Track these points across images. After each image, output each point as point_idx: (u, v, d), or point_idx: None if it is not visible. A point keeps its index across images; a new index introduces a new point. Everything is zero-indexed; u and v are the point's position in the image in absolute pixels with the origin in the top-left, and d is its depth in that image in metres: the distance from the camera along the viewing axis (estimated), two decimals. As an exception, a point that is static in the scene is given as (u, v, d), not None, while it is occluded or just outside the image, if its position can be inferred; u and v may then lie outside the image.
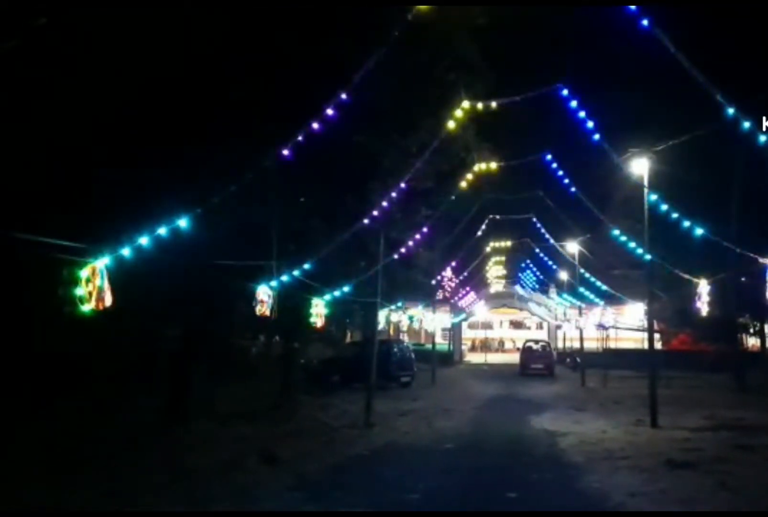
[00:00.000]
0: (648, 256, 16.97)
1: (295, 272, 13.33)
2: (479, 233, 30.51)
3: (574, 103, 14.03)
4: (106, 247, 7.64)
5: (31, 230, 6.87)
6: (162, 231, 8.27)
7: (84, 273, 7.32)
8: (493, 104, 14.58)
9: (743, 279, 22.71)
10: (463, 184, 19.98)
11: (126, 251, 7.81)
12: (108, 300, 7.49)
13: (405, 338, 40.37)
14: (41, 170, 9.91)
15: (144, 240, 8.03)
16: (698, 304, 17.17)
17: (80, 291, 7.28)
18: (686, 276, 17.85)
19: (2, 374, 12.98)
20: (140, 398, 15.37)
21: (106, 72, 9.66)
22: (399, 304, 27.37)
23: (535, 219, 30.85)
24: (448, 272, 34.15)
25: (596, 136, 14.75)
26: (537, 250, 36.34)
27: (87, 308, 7.35)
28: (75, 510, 8.05)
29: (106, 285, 7.44)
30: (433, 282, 29.71)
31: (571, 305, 38.88)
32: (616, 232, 20.95)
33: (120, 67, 9.73)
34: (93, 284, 7.34)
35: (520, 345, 42.27)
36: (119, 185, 10.55)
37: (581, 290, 32.13)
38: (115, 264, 7.64)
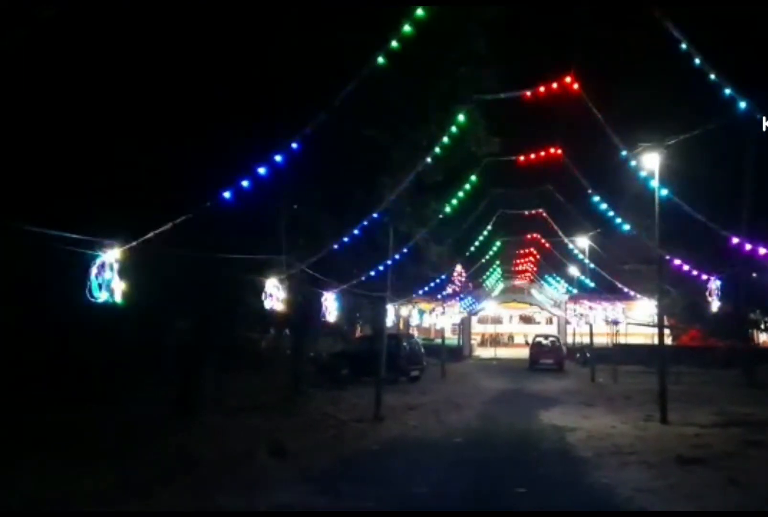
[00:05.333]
0: (659, 252, 16.89)
1: (305, 266, 13.36)
2: (489, 227, 30.42)
3: (584, 97, 13.97)
4: (117, 240, 7.68)
5: (43, 223, 6.91)
6: (172, 224, 8.30)
7: (95, 265, 7.36)
8: (503, 96, 14.55)
9: (754, 274, 22.57)
10: (473, 178, 19.93)
11: (136, 244, 7.85)
12: (118, 293, 7.53)
13: (414, 332, 40.41)
14: (52, 164, 9.96)
15: (155, 233, 8.06)
16: (709, 299, 17.08)
17: (91, 284, 7.33)
18: (696, 272, 17.77)
19: (14, 367, 13.10)
20: (151, 390, 15.46)
21: (118, 63, 9.70)
22: (408, 298, 27.39)
23: (545, 214, 30.72)
24: (458, 267, 34.11)
25: (607, 130, 14.69)
26: (547, 244, 36.21)
27: (97, 300, 7.40)
28: (83, 502, 8.08)
29: (117, 278, 7.48)
30: (443, 276, 29.67)
31: (570, 293, 38.79)
32: (627, 227, 20.87)
33: (134, 57, 9.77)
34: (103, 277, 7.39)
35: (530, 340, 42.21)
36: (131, 178, 10.59)
37: (592, 285, 32.04)
38: (126, 257, 7.68)
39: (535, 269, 47.43)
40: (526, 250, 41.61)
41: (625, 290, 29.79)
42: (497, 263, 41.60)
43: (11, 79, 8.59)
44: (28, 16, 6.55)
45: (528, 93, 14.38)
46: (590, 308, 34.14)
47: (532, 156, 20.08)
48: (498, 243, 35.53)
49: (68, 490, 8.34)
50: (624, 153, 15.70)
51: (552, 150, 19.34)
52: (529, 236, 36.45)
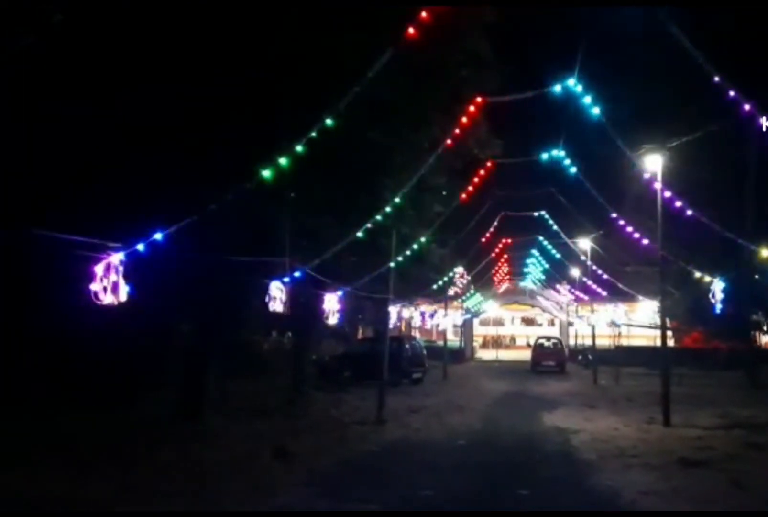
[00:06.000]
0: (661, 253, 16.87)
1: (308, 268, 13.36)
2: (491, 230, 30.44)
3: (587, 99, 13.94)
4: (121, 243, 7.69)
5: (47, 226, 6.92)
6: (176, 227, 8.32)
7: (99, 268, 7.37)
8: (505, 98, 14.54)
9: (756, 276, 22.56)
10: (476, 180, 19.93)
11: (141, 247, 7.86)
12: (123, 295, 7.55)
13: (416, 334, 40.41)
14: (59, 167, 9.97)
15: (158, 236, 8.07)
16: (712, 301, 17.07)
17: (95, 286, 7.34)
18: (699, 273, 17.76)
19: (16, 369, 13.11)
20: (154, 392, 15.46)
21: (119, 69, 9.71)
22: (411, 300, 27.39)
23: (547, 216, 30.72)
24: (459, 269, 34.13)
25: (609, 133, 14.68)
26: (549, 246, 36.22)
27: (102, 303, 7.41)
28: (86, 505, 8.08)
29: (121, 280, 7.50)
30: (445, 278, 29.67)
31: (579, 300, 38.75)
32: (629, 228, 20.86)
33: (135, 57, 9.78)
34: (108, 279, 7.40)
35: (531, 342, 42.24)
36: (134, 181, 10.60)
37: (593, 286, 32.02)
38: (130, 259, 7.70)
39: (537, 270, 47.42)
40: (528, 252, 41.61)
41: (627, 291, 29.79)
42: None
43: (13, 80, 8.60)
44: (38, 21, 6.56)
45: (530, 94, 14.35)
46: (592, 310, 34.10)
47: (535, 158, 20.05)
48: (500, 245, 35.55)
49: (72, 492, 8.35)
50: (628, 155, 15.69)
51: (554, 152, 19.30)
52: (531, 238, 36.45)
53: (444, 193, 19.78)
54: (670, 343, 25.14)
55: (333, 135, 10.46)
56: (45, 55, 8.33)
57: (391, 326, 21.91)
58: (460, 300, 41.24)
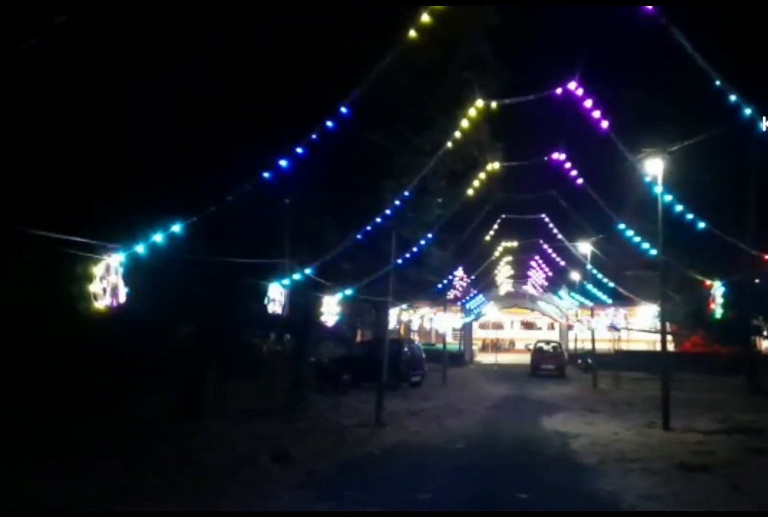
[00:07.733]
0: (662, 257, 16.84)
1: (307, 270, 13.33)
2: (491, 233, 30.39)
3: (588, 103, 13.93)
4: (120, 244, 7.66)
5: (47, 226, 6.89)
6: (176, 228, 8.29)
7: (98, 270, 7.35)
8: (507, 102, 14.52)
9: (757, 280, 22.50)
10: (476, 183, 19.90)
11: (140, 248, 7.84)
12: (122, 297, 7.52)
13: (416, 337, 40.37)
14: (59, 167, 9.96)
15: (158, 237, 8.05)
16: (712, 306, 17.03)
17: (94, 288, 7.31)
18: (700, 277, 17.72)
19: (16, 371, 13.09)
20: (153, 395, 15.43)
21: (118, 64, 9.70)
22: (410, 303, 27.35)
23: (547, 219, 30.66)
24: (459, 272, 34.08)
25: (610, 136, 14.65)
26: (549, 250, 36.15)
27: (101, 304, 7.38)
28: (86, 507, 8.05)
29: (121, 282, 7.47)
30: (445, 281, 29.63)
31: (582, 305, 38.65)
32: (629, 232, 20.83)
33: (136, 58, 9.77)
34: (107, 281, 7.37)
35: (531, 346, 42.18)
36: (133, 182, 10.58)
37: (593, 290, 31.96)
38: (129, 261, 7.67)
39: (536, 273, 47.37)
40: (528, 255, 41.54)
41: (628, 295, 29.72)
42: (498, 267, 41.45)
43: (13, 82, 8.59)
44: (42, 23, 6.54)
45: (532, 98, 14.34)
46: (592, 314, 34.06)
47: (536, 161, 20.04)
48: (500, 248, 35.50)
49: (72, 494, 8.33)
50: (629, 158, 15.67)
51: (555, 155, 19.28)
52: (531, 241, 36.37)
53: (442, 199, 19.76)
54: (670, 347, 25.14)
55: (335, 137, 10.44)
56: (49, 56, 8.30)
57: (390, 329, 21.86)
58: (460, 303, 41.13)
